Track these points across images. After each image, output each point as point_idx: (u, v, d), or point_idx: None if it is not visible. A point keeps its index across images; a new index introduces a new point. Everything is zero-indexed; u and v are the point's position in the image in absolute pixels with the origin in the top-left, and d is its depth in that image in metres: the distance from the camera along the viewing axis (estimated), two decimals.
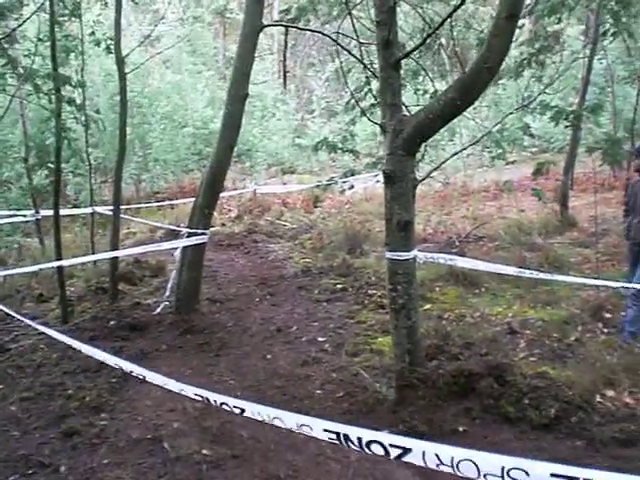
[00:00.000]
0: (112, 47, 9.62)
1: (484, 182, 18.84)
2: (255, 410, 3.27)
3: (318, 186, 14.77)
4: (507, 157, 19.01)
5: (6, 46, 7.90)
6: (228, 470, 4.30)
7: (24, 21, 9.01)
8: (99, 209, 11.93)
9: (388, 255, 5.52)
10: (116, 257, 8.97)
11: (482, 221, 13.13)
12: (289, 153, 27.14)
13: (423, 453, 2.54)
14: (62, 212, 10.22)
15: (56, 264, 8.24)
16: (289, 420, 3.11)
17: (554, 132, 21.24)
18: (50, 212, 11.05)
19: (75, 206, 17.60)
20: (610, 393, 5.57)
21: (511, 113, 7.30)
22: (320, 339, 7.44)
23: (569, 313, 7.71)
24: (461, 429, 5.07)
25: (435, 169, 6.43)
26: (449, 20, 5.92)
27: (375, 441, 2.68)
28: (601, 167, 12.01)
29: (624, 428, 4.84)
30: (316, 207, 16.98)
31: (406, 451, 2.59)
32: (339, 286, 9.41)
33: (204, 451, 4.52)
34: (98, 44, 9.91)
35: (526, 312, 7.97)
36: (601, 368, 5.97)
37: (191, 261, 8.33)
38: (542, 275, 5.93)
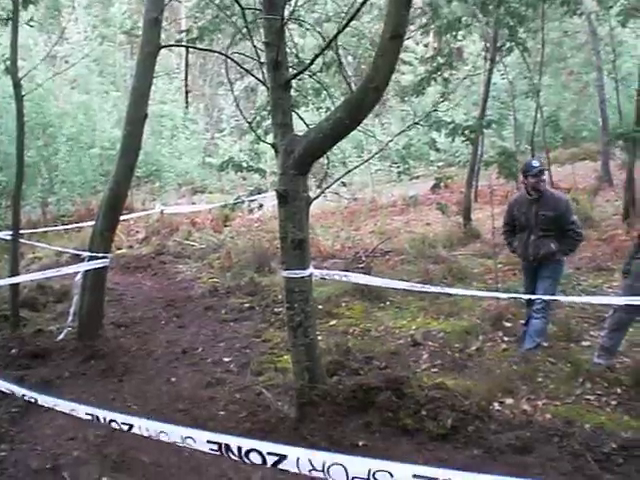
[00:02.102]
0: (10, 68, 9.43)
1: (392, 197, 19.12)
2: (143, 426, 3.28)
3: (225, 205, 14.71)
4: (414, 172, 19.45)
5: None
6: None
7: None
8: (0, 234, 11.63)
9: (284, 274, 5.56)
10: (16, 283, 8.75)
11: (389, 235, 13.31)
12: (199, 172, 26.98)
13: (297, 459, 2.59)
14: None
15: None
16: (174, 433, 3.13)
17: (459, 146, 21.75)
18: None
19: None
20: (508, 401, 5.72)
21: (407, 129, 7.46)
22: (225, 359, 7.41)
23: (471, 323, 7.88)
24: (361, 443, 5.11)
25: (330, 186, 6.53)
26: (351, 39, 6.02)
27: (254, 449, 2.74)
28: (500, 180, 12.35)
29: (520, 435, 4.98)
30: (226, 226, 16.91)
31: (282, 458, 2.65)
32: (246, 305, 9.40)
33: (104, 479, 4.46)
34: None
35: (429, 324, 8.12)
36: (500, 377, 6.15)
37: (92, 285, 8.20)
38: (433, 288, 6.06)
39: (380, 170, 22.41)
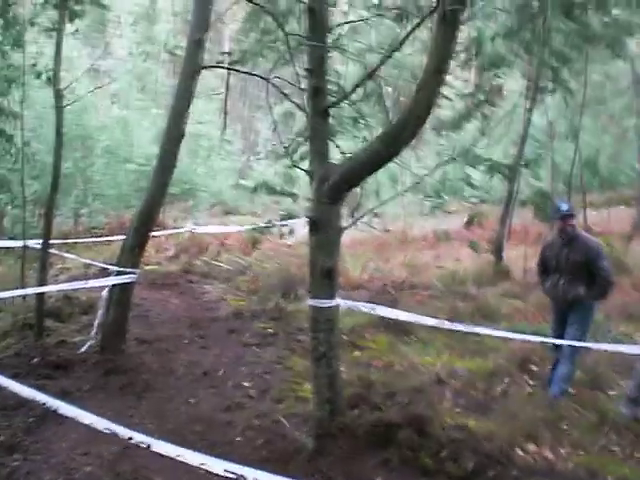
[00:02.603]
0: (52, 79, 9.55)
1: (423, 230, 19.03)
2: (162, 447, 3.24)
3: (255, 228, 14.69)
4: (447, 206, 19.30)
5: None
6: None
7: None
8: (31, 242, 11.68)
9: (310, 302, 5.50)
10: (42, 293, 8.77)
11: (418, 269, 13.22)
12: (232, 194, 27.07)
13: None
14: None
15: None
16: (192, 459, 3.09)
17: (493, 184, 21.60)
18: None
19: (11, 238, 17.26)
20: (531, 447, 5.60)
21: (443, 164, 7.38)
22: (246, 384, 7.34)
23: (496, 364, 7.76)
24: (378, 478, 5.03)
25: (362, 216, 6.46)
26: (392, 70, 6.00)
27: None
28: (534, 220, 12.23)
29: None
30: (254, 249, 16.91)
31: None
32: (270, 330, 9.33)
33: None
34: (39, 76, 9.81)
35: (455, 362, 7.99)
36: (523, 421, 6.01)
37: (118, 300, 8.19)
38: (462, 327, 5.95)
39: (412, 202, 22.31)
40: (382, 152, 5.01)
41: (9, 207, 18.45)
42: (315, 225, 5.33)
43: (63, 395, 6.70)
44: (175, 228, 18.36)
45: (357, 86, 5.78)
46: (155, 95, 31.86)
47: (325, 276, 5.37)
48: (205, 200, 24.92)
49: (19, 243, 12.47)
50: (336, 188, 5.24)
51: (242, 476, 2.81)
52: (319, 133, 5.45)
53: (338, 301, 5.54)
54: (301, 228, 14.79)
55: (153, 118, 27.06)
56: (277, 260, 14.57)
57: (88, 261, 11.51)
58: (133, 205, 22.26)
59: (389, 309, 6.27)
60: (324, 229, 5.33)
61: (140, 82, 30.25)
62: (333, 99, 6.00)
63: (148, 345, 8.76)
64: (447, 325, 5.85)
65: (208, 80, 29.07)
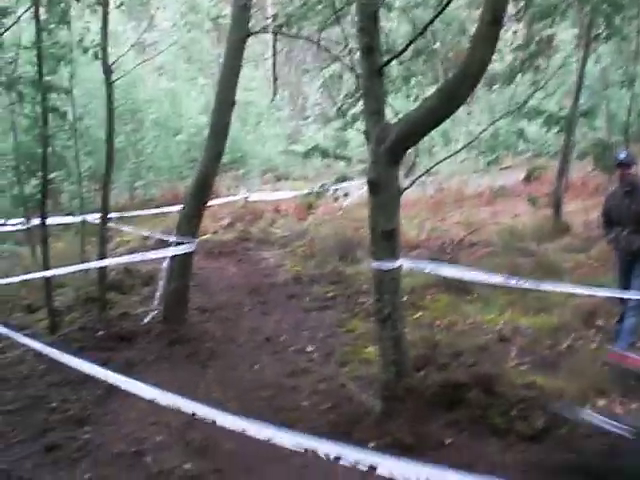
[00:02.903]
0: (99, 54, 9.57)
1: (478, 187, 18.73)
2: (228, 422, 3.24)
3: (310, 193, 14.59)
4: (502, 162, 18.96)
5: None
6: None
7: (6, 29, 8.91)
8: (89, 217, 11.83)
9: (373, 265, 5.45)
10: (104, 266, 8.89)
11: (476, 226, 13.03)
12: (283, 160, 27.00)
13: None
14: (53, 221, 10.15)
15: (45, 274, 8.17)
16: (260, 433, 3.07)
17: (548, 137, 21.13)
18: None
19: (69, 214, 17.52)
20: (601, 403, 5.49)
21: (500, 119, 7.21)
22: (309, 349, 7.35)
23: (561, 320, 7.61)
24: (448, 441, 4.98)
25: (420, 176, 6.37)
26: (440, 25, 5.86)
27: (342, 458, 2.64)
28: (594, 172, 11.92)
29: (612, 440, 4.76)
30: (309, 214, 16.87)
31: (372, 469, 2.54)
32: (330, 294, 9.31)
33: (186, 466, 4.45)
34: (86, 51, 9.83)
35: (518, 319, 7.86)
36: (592, 377, 5.90)
37: (178, 270, 8.25)
38: (528, 284, 5.83)
39: (466, 159, 21.96)
40: (439, 109, 4.90)
41: (65, 184, 18.71)
42: (374, 187, 5.25)
43: (128, 366, 6.84)
44: (229, 197, 18.42)
45: (411, 42, 5.66)
46: (202, 65, 31.88)
47: (386, 238, 5.30)
48: (256, 167, 24.89)
49: (78, 219, 12.67)
50: (393, 148, 5.14)
51: (311, 449, 2.74)
52: (373, 93, 5.34)
53: (401, 262, 5.47)
54: (355, 191, 14.74)
55: (201, 88, 27.10)
56: (332, 224, 14.52)
57: (146, 233, 11.62)
58: (186, 176, 22.42)
59: (453, 268, 6.19)
60: (383, 191, 5.25)
61: (186, 53, 30.25)
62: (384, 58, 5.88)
63: (210, 314, 8.84)
64: (513, 283, 5.74)
65: (252, 47, 28.96)
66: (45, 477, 4.43)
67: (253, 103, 26.78)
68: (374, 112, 5.34)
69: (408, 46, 5.72)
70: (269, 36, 9.66)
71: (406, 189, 5.53)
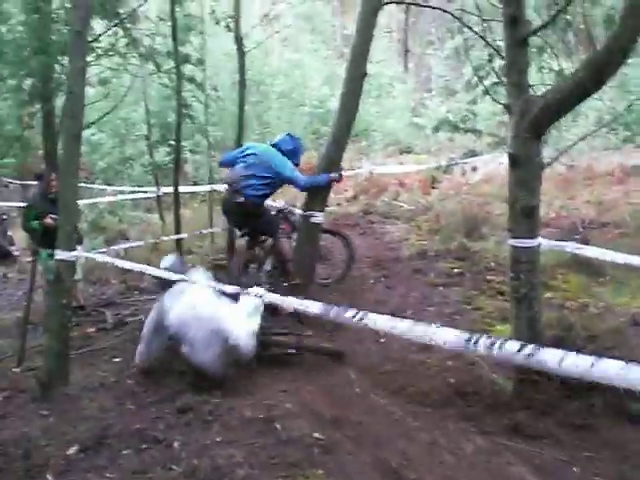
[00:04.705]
0: (231, 26, 9.70)
1: (610, 165, 17.96)
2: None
3: (438, 167, 14.38)
4: (636, 140, 18.11)
5: (129, 26, 8.05)
6: (339, 455, 4.20)
7: (146, 1, 9.14)
8: (217, 187, 12.08)
9: (511, 242, 5.30)
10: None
11: (607, 206, 12.52)
12: (406, 133, 26.69)
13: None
14: (182, 189, 10.42)
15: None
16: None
17: None
18: (170, 189, 11.32)
19: (194, 183, 18.01)
20: None
21: None
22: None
23: None
24: (582, 424, 4.90)
25: (563, 152, 6.13)
26: None
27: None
28: None
29: None
30: (433, 188, 16.65)
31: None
32: (456, 270, 9.13)
33: (315, 434, 4.43)
34: (217, 22, 9.98)
35: None
36: None
37: (306, 242, 8.28)
38: None
39: (597, 136, 21.11)
40: (586, 83, 4.68)
41: (189, 153, 19.22)
42: (515, 161, 5.10)
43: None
44: (351, 169, 18.40)
45: (559, 12, 5.43)
46: (325, 37, 31.92)
47: (526, 215, 5.15)
48: (379, 140, 24.75)
49: (206, 187, 12.98)
50: (537, 122, 4.97)
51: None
52: (516, 64, 5.17)
53: (540, 240, 5.30)
54: (483, 166, 14.45)
55: (324, 60, 27.15)
56: (458, 199, 14.29)
57: (273, 204, 11.73)
58: (308, 148, 22.55)
59: (594, 249, 5.94)
60: (524, 165, 5.09)
61: (309, 24, 30.37)
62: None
63: (334, 285, 8.83)
64: None
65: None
66: (178, 438, 4.52)
67: (376, 76, 26.63)
68: (517, 84, 5.18)
69: (555, 16, 5.49)
70: (394, 7, 9.50)
71: (549, 165, 5.35)
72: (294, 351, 6.37)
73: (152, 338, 6.02)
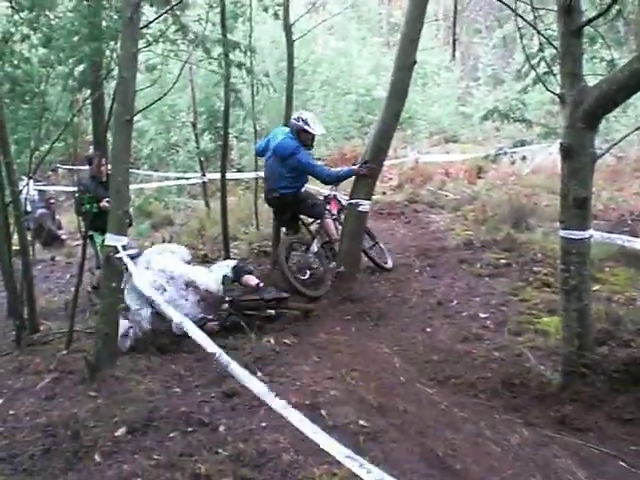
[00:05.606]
0: (280, 13, 9.71)
1: None
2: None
3: (487, 156, 14.21)
4: None
5: (178, 13, 8.09)
6: (385, 443, 4.20)
7: None
8: (262, 173, 12.11)
9: (562, 233, 5.25)
10: (279, 221, 9.09)
11: None
12: (452, 121, 26.45)
13: None
14: (227, 176, 10.48)
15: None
16: None
17: None
18: (215, 175, 11.37)
19: (239, 170, 18.09)
20: None
21: None
22: (482, 315, 7.20)
23: None
24: (630, 417, 4.84)
25: (616, 143, 6.05)
26: None
27: None
28: None
29: None
30: (479, 178, 16.51)
31: None
32: (502, 261, 9.03)
33: (361, 422, 4.45)
34: (266, 10, 10.00)
35: None
36: None
37: (352, 230, 8.29)
38: None
39: None
40: None
41: (235, 140, 19.32)
42: (568, 151, 5.04)
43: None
44: (396, 157, 18.32)
45: (614, 1, 5.34)
46: (370, 24, 31.74)
47: (578, 206, 5.09)
48: (424, 129, 24.56)
49: (251, 174, 13.03)
50: (591, 112, 4.92)
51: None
52: (572, 54, 5.10)
53: (591, 232, 5.25)
54: (533, 156, 14.27)
55: (370, 48, 27.00)
56: (504, 189, 14.15)
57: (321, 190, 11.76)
58: (352, 136, 22.50)
59: None
60: (577, 156, 5.02)
61: (355, 12, 30.22)
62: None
63: (379, 274, 8.82)
64: None
65: None
66: (224, 422, 4.56)
67: (422, 64, 26.45)
68: (571, 73, 5.11)
69: (611, 6, 5.41)
70: None
71: (602, 155, 5.28)
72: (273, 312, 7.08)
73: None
